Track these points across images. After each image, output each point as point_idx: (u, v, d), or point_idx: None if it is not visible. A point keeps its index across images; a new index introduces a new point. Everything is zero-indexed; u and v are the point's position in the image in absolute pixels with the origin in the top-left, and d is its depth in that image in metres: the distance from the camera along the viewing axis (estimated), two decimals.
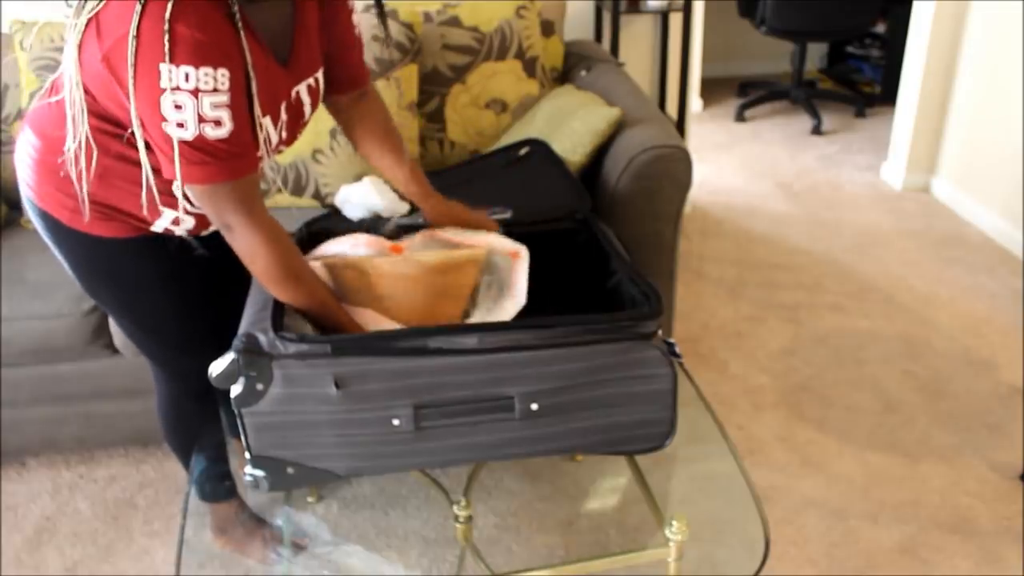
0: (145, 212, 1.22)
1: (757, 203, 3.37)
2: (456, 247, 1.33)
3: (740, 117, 4.28)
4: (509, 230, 1.37)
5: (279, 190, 2.12)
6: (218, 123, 1.01)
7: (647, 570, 1.32)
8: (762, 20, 3.94)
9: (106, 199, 1.21)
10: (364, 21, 2.26)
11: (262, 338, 1.06)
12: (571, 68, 2.40)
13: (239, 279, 1.24)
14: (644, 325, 1.10)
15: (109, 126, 1.12)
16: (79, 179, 1.16)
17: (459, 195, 1.44)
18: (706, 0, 4.31)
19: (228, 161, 1.04)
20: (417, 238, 1.36)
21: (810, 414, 2.15)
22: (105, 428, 2.01)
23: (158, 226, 1.26)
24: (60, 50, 2.11)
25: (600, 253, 1.36)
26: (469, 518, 1.31)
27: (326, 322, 1.18)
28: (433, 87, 2.27)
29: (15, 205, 2.20)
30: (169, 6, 0.94)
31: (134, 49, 0.96)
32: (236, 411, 1.08)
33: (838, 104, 4.41)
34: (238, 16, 1.03)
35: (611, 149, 1.91)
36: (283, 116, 1.18)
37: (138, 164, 1.12)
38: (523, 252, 1.30)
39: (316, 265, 1.23)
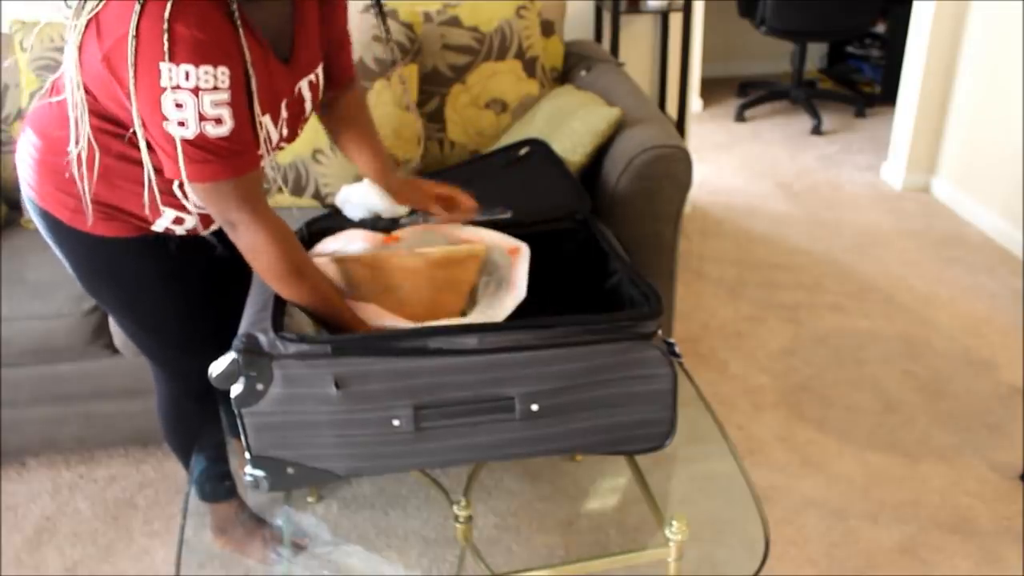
0: (146, 212, 1.22)
1: (757, 203, 3.37)
2: (455, 239, 1.34)
3: (740, 117, 4.28)
4: (509, 230, 1.37)
5: (280, 189, 2.12)
6: (219, 121, 1.01)
7: (647, 570, 1.32)
8: (762, 20, 3.94)
9: (108, 199, 1.21)
10: (364, 21, 2.26)
11: (262, 338, 1.06)
12: (571, 68, 2.40)
13: (240, 279, 1.24)
14: (644, 325, 1.10)
15: (110, 126, 1.12)
16: (82, 181, 1.16)
17: None
18: (706, 0, 4.31)
19: (230, 159, 1.05)
20: (411, 229, 1.37)
21: (810, 414, 2.15)
22: (105, 428, 2.01)
23: (159, 226, 1.26)
24: (60, 50, 2.10)
25: (600, 253, 1.36)
26: (469, 518, 1.31)
27: (329, 318, 1.18)
28: (433, 87, 2.27)
29: (15, 205, 2.20)
30: (168, 5, 0.95)
31: (134, 49, 0.96)
32: (236, 411, 1.08)
33: (838, 104, 4.41)
34: (237, 15, 1.03)
35: (611, 149, 1.91)
36: (284, 113, 1.19)
37: (139, 164, 1.12)
38: (523, 248, 1.31)
39: (324, 261, 1.24)
